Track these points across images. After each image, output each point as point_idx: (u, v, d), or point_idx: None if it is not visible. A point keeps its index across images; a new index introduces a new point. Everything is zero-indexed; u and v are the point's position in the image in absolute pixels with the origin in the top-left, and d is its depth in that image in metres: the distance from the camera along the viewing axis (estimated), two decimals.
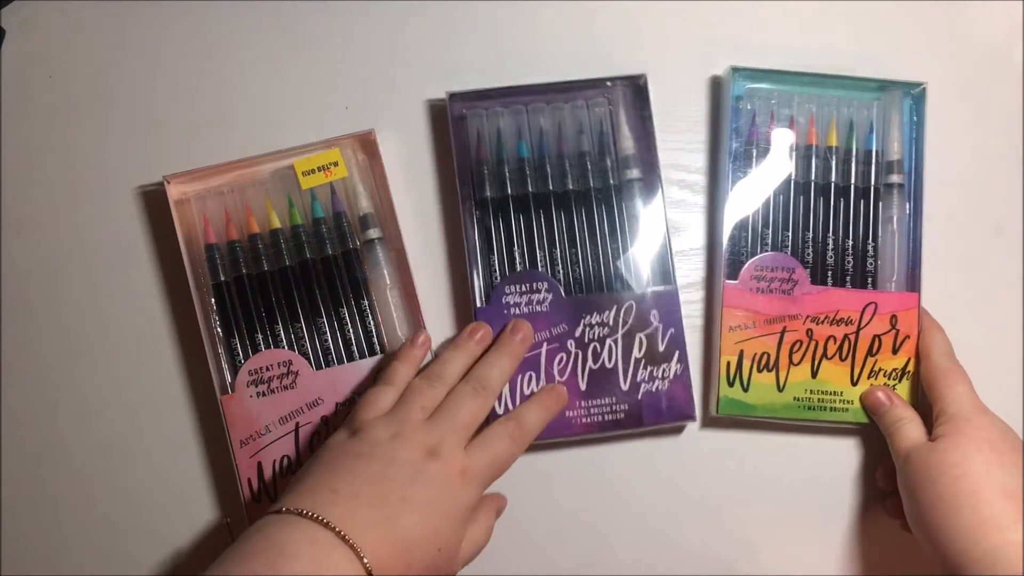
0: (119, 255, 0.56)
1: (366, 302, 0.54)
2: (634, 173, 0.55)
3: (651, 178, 0.56)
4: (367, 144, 0.56)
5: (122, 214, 0.56)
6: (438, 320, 0.56)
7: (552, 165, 0.56)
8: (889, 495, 0.54)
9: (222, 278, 0.54)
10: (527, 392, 0.53)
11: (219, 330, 0.54)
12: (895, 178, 0.56)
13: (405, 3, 0.59)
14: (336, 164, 0.55)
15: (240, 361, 0.53)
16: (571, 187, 0.55)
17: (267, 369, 0.53)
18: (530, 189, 0.55)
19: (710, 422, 0.56)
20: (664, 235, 0.55)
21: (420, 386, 0.50)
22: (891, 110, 0.57)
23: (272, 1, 0.58)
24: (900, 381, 0.55)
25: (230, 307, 0.54)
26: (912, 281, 0.56)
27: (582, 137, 0.56)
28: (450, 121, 0.55)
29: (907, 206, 0.57)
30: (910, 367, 0.55)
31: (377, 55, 0.58)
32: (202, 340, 0.53)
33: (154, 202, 0.56)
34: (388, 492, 0.44)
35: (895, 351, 0.55)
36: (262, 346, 0.53)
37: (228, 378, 0.53)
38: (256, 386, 0.53)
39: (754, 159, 0.56)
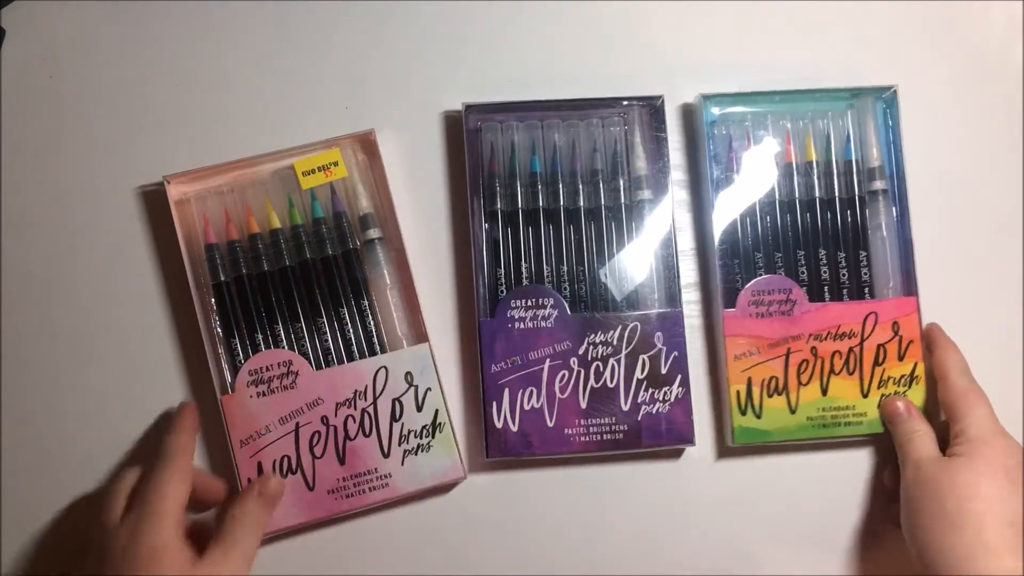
0: (119, 255, 0.56)
1: (366, 302, 0.54)
2: (646, 194, 0.56)
3: (662, 199, 0.56)
4: (367, 144, 0.56)
5: (122, 214, 0.56)
6: (440, 326, 0.56)
7: (564, 182, 0.56)
8: (894, 501, 0.54)
9: (222, 278, 0.54)
10: (527, 408, 0.53)
11: (219, 330, 0.54)
12: (878, 184, 0.57)
13: (405, 4, 0.59)
14: (336, 164, 0.55)
15: (240, 361, 0.53)
16: (582, 204, 0.56)
17: (267, 369, 0.53)
18: (541, 204, 0.55)
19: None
20: (672, 258, 0.55)
21: None
22: (865, 117, 0.57)
23: (273, 1, 0.58)
24: (910, 387, 0.55)
25: (230, 307, 0.54)
26: (909, 285, 0.56)
27: (596, 155, 0.56)
28: (464, 133, 0.55)
29: (893, 210, 0.57)
30: (918, 371, 0.55)
31: (377, 55, 0.58)
32: (202, 340, 0.53)
33: (154, 202, 0.56)
34: None
35: (901, 358, 0.55)
36: (262, 346, 0.53)
37: (228, 378, 0.53)
38: (256, 386, 0.53)
39: (736, 184, 0.56)
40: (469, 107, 0.56)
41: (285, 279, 0.54)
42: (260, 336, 0.54)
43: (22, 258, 0.56)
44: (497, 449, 0.53)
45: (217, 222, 0.54)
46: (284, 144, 0.55)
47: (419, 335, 0.54)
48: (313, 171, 0.55)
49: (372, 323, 0.54)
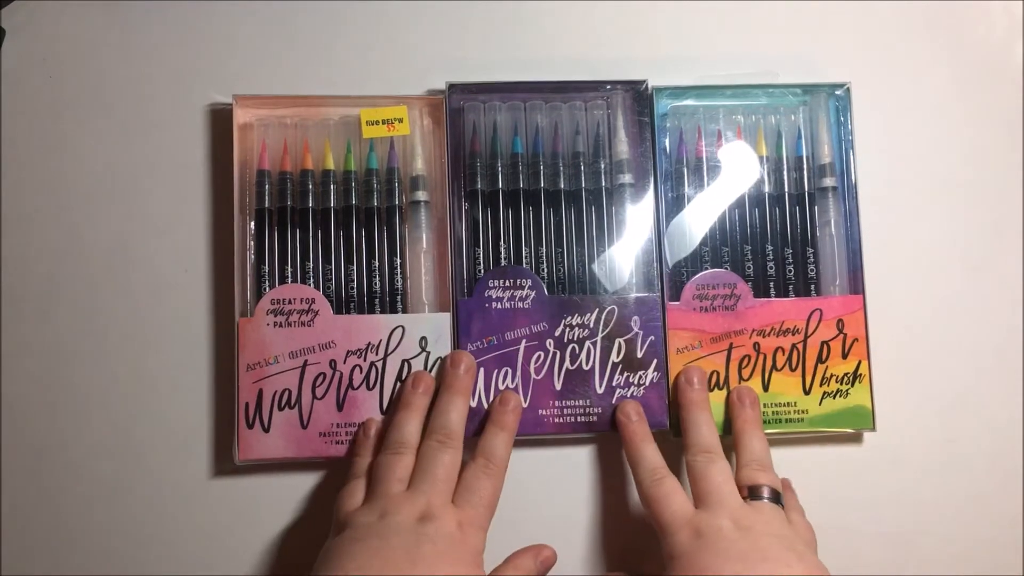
0: (119, 252, 0.56)
1: (399, 260, 0.55)
2: (627, 178, 0.56)
3: (644, 183, 0.56)
4: (435, 109, 0.56)
5: (122, 214, 0.56)
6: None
7: (545, 163, 0.56)
8: None
9: (266, 205, 0.54)
10: (502, 387, 0.53)
11: (252, 255, 0.54)
12: (828, 181, 0.57)
13: None
14: (401, 121, 0.55)
15: (266, 288, 0.54)
16: (563, 186, 0.56)
17: (289, 302, 0.53)
18: (521, 185, 0.56)
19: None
20: (651, 241, 0.55)
21: (388, 461, 0.50)
22: (818, 114, 0.58)
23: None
24: (852, 385, 0.55)
25: (267, 235, 0.54)
26: (855, 283, 0.56)
27: (578, 138, 0.57)
28: (446, 112, 0.56)
29: (843, 208, 0.57)
30: (861, 370, 0.55)
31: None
32: (233, 260, 0.54)
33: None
34: (395, 559, 0.45)
35: (845, 355, 0.55)
36: (290, 279, 0.54)
37: (250, 303, 0.54)
38: (275, 316, 0.53)
39: (685, 177, 0.57)
40: (452, 86, 0.56)
41: (326, 220, 0.55)
42: (289, 269, 0.54)
43: (21, 258, 0.55)
44: (470, 429, 0.53)
45: (274, 151, 0.55)
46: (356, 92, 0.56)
47: (443, 304, 0.55)
48: (377, 123, 0.55)
49: (400, 281, 0.55)
